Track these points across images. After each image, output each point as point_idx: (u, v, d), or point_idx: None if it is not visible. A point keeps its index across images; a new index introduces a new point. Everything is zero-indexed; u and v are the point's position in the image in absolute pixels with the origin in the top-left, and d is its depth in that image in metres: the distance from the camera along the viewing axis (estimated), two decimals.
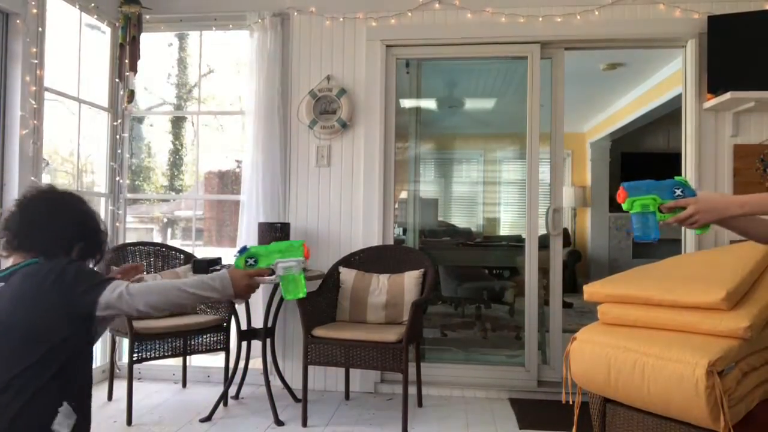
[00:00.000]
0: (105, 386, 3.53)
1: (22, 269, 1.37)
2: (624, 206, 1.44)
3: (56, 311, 1.33)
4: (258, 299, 3.58)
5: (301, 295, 1.60)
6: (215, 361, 3.92)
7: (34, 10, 3.17)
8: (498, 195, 5.14)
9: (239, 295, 1.50)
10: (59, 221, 1.44)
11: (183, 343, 3.30)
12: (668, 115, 6.14)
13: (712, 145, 3.45)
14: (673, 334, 2.14)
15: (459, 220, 5.21)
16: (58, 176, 5.00)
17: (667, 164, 7.05)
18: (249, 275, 1.50)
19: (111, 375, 3.46)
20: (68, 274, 1.35)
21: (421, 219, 4.53)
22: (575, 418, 2.41)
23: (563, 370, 2.40)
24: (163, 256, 3.75)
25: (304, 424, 3.06)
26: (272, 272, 1.55)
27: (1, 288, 1.36)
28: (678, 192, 1.40)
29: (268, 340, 3.35)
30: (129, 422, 3.06)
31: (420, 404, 3.40)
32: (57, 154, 4.55)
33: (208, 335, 3.39)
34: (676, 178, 1.38)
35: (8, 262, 1.45)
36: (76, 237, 1.45)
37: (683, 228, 3.53)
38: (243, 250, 1.57)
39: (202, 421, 3.11)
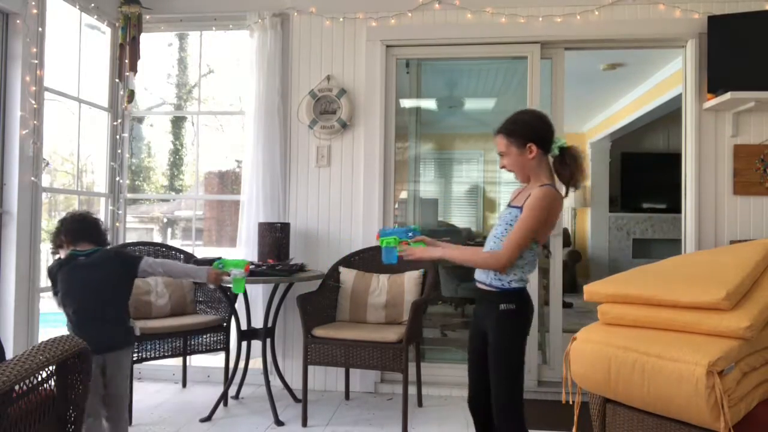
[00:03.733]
0: None
1: (96, 252, 2.39)
2: (380, 243, 2.11)
3: (118, 272, 2.40)
4: (258, 299, 3.58)
5: (240, 291, 2.67)
6: (215, 361, 3.92)
7: (34, 10, 3.17)
8: (498, 195, 5.14)
9: (209, 281, 2.59)
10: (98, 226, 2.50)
11: (183, 343, 3.30)
12: (668, 115, 6.15)
13: (712, 145, 3.45)
14: (674, 334, 2.14)
15: (459, 220, 5.21)
16: (58, 176, 5.00)
17: (667, 164, 7.08)
18: (217, 273, 2.60)
19: None
20: (121, 254, 2.53)
21: (421, 219, 4.54)
22: (575, 418, 2.41)
23: (563, 370, 2.40)
24: (163, 256, 3.74)
25: (304, 424, 3.06)
26: (228, 275, 2.64)
27: (85, 259, 2.36)
28: (410, 234, 2.09)
29: (268, 340, 3.34)
30: (129, 422, 3.05)
31: (420, 404, 3.40)
32: (57, 154, 4.55)
33: (208, 335, 3.39)
34: (411, 225, 2.14)
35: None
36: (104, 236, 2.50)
37: (683, 228, 3.55)
38: (218, 260, 2.65)
39: (202, 421, 3.12)
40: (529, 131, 1.94)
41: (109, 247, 2.56)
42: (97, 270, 2.36)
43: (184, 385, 3.76)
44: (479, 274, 2.02)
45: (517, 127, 1.96)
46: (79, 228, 2.41)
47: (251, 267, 3.09)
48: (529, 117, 2.00)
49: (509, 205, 2.04)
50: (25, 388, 1.47)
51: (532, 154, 1.93)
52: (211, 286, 2.71)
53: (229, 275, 2.61)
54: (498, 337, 1.95)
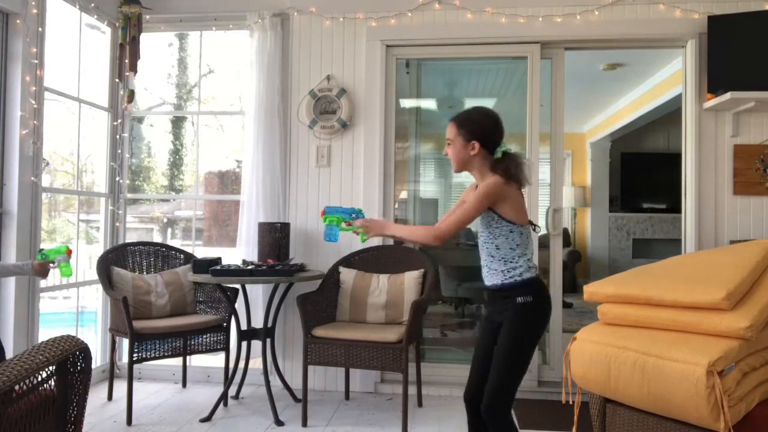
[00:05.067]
0: (105, 386, 3.53)
1: None
2: (323, 220, 2.24)
3: None
4: (258, 299, 3.58)
5: (68, 276, 2.69)
6: (215, 361, 3.92)
7: (34, 10, 3.17)
8: None
9: (35, 273, 2.66)
10: None
11: (183, 343, 3.30)
12: (668, 115, 6.15)
13: (712, 145, 3.45)
14: (674, 334, 2.14)
15: None
16: (58, 176, 5.00)
17: (667, 164, 7.08)
18: (42, 264, 2.66)
19: (111, 375, 3.46)
20: None
21: (421, 219, 4.53)
22: (575, 418, 2.41)
23: (563, 370, 2.40)
24: (163, 256, 3.75)
25: (304, 424, 3.06)
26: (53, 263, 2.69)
27: None
28: (353, 216, 2.24)
29: (268, 340, 3.34)
30: (129, 422, 3.06)
31: (420, 404, 3.40)
32: (57, 154, 4.55)
33: (208, 335, 3.39)
34: (355, 207, 2.29)
35: None
36: None
37: (683, 228, 3.54)
38: (41, 251, 2.70)
39: (202, 421, 3.12)
40: (477, 129, 2.05)
41: None
42: None
43: (184, 385, 3.76)
44: (488, 281, 2.07)
45: (468, 122, 2.07)
46: None
47: (251, 267, 3.12)
48: (481, 117, 2.09)
49: None
50: (25, 388, 1.46)
51: (474, 151, 2.04)
52: (40, 278, 2.82)
53: (53, 263, 2.69)
54: (513, 326, 1.97)
